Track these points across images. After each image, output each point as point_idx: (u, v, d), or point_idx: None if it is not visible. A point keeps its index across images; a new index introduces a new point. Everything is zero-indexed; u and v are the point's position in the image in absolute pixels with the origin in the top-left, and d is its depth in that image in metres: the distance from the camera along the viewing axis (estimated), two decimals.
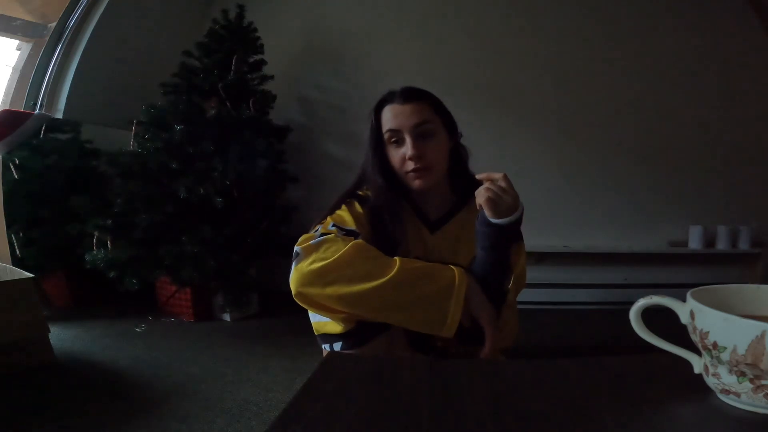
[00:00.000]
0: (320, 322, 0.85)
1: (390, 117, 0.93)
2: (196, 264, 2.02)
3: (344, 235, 0.86)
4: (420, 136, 0.91)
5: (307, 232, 0.89)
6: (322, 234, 0.85)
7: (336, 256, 0.78)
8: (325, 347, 0.86)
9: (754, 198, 2.58)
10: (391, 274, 0.76)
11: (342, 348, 0.83)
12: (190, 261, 2.03)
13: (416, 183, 0.93)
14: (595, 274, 2.61)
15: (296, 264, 0.81)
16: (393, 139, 0.93)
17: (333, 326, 0.83)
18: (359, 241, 0.83)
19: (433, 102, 0.95)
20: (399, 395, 0.47)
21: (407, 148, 0.90)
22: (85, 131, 2.45)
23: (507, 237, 0.84)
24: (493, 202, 0.80)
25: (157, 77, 2.31)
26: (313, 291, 0.78)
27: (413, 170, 0.91)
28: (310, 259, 0.79)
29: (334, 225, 0.88)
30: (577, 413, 0.42)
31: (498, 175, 0.82)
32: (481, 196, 0.81)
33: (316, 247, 0.81)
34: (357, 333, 0.82)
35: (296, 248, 0.83)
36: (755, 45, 2.50)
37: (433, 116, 0.93)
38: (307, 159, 2.77)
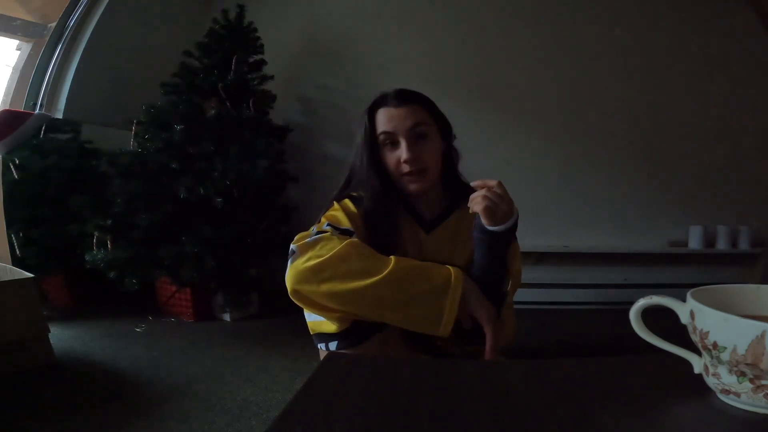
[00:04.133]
0: (316, 321, 0.85)
1: (384, 120, 0.93)
2: (196, 264, 2.02)
3: (339, 233, 0.86)
4: (415, 137, 0.92)
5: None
6: (318, 232, 0.85)
7: (331, 254, 0.78)
8: (321, 347, 0.86)
9: (754, 198, 2.58)
10: (386, 272, 0.76)
11: (337, 348, 0.83)
12: (190, 261, 2.03)
13: (412, 186, 0.93)
14: (595, 274, 2.61)
15: (292, 262, 0.81)
16: (388, 141, 0.93)
17: (328, 326, 0.83)
18: (355, 239, 0.83)
19: (426, 104, 0.96)
20: (399, 395, 0.47)
21: (402, 151, 0.91)
22: (85, 131, 2.45)
23: (503, 242, 0.85)
24: (490, 210, 0.80)
25: (157, 77, 2.30)
26: (309, 288, 0.78)
27: (408, 173, 0.92)
28: (305, 257, 0.80)
29: (329, 224, 0.89)
30: (577, 413, 0.42)
31: (493, 182, 0.82)
32: (477, 204, 0.81)
33: (311, 245, 0.82)
34: (352, 332, 0.82)
35: (292, 246, 0.83)
36: (756, 46, 2.50)
37: (428, 118, 0.94)
38: (307, 159, 2.76)
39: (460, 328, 0.80)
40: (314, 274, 0.77)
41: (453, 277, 0.78)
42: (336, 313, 0.80)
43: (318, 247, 0.81)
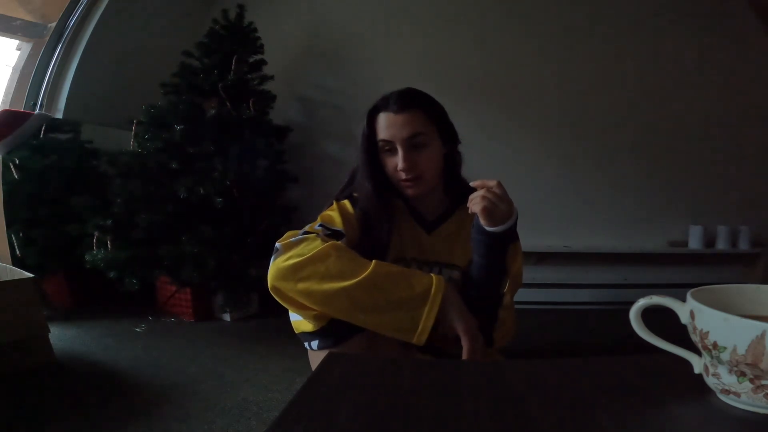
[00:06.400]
0: (297, 321, 0.86)
1: (383, 127, 0.93)
2: (196, 264, 2.02)
3: (328, 235, 0.87)
4: (412, 147, 0.92)
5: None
6: (304, 232, 0.86)
7: (311, 254, 0.79)
8: (306, 345, 0.87)
9: (754, 198, 2.57)
10: (363, 275, 0.76)
11: (318, 346, 0.83)
12: (190, 261, 2.03)
13: (409, 192, 0.94)
14: (595, 274, 2.61)
15: (274, 259, 0.82)
16: (386, 148, 0.94)
17: (306, 324, 0.84)
18: (338, 242, 0.84)
19: (427, 109, 0.94)
20: (399, 395, 0.47)
21: (399, 160, 0.91)
22: (85, 131, 2.45)
23: (502, 243, 0.84)
24: (489, 210, 0.80)
25: (157, 77, 2.31)
26: (286, 286, 0.78)
27: (405, 180, 0.92)
28: (287, 255, 0.80)
29: (321, 224, 0.89)
30: (577, 413, 0.42)
31: (492, 183, 0.81)
32: (476, 204, 0.81)
33: (295, 244, 0.83)
34: (331, 331, 0.82)
35: (277, 244, 0.84)
36: (756, 45, 2.50)
37: (427, 125, 0.93)
38: (307, 159, 2.76)
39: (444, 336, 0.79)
40: (293, 272, 0.78)
41: (434, 286, 0.77)
42: (312, 311, 0.80)
43: (300, 247, 0.81)
